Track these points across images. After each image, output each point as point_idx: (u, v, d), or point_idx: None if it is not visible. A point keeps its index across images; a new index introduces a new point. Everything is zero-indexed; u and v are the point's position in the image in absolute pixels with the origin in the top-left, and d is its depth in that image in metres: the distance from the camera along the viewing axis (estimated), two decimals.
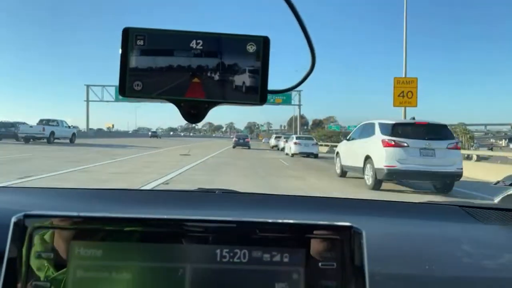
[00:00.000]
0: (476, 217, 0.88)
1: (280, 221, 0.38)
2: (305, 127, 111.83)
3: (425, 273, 0.59)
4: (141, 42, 0.39)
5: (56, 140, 19.36)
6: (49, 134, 18.74)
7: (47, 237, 0.35)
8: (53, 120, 19.86)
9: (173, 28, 0.39)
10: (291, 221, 0.38)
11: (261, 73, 0.40)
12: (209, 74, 0.39)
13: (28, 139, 18.54)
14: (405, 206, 1.06)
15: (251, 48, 0.39)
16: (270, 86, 0.41)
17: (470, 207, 0.95)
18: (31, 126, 19.08)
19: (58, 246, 0.35)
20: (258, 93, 0.40)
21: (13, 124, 20.19)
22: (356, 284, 0.36)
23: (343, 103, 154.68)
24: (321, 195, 1.28)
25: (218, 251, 0.36)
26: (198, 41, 0.39)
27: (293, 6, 0.38)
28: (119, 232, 0.36)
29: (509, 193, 1.08)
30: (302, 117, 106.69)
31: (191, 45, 0.39)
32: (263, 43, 0.40)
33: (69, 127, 21.21)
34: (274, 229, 0.37)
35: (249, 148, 25.08)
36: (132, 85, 0.39)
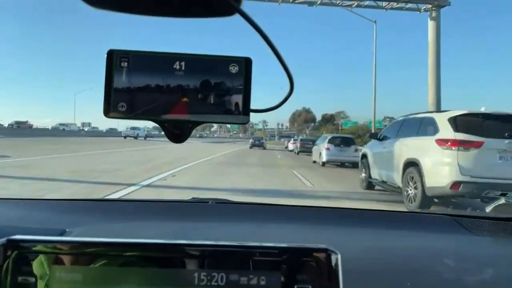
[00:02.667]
0: (468, 228, 0.95)
1: (256, 244, 0.42)
2: (313, 124, 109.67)
3: None
4: (125, 64, 0.44)
5: (139, 138, 38.14)
6: (136, 135, 39.28)
7: (30, 261, 0.40)
8: (137, 128, 40.39)
9: (156, 50, 0.45)
10: (266, 244, 0.42)
11: (244, 93, 0.45)
12: (192, 94, 0.45)
13: (125, 137, 38.66)
14: (393, 216, 1.15)
15: (233, 69, 0.45)
16: (254, 105, 0.46)
17: (462, 216, 1.03)
18: (127, 130, 41.25)
19: (40, 270, 0.40)
20: (241, 113, 0.45)
21: (134, 128, 41.14)
22: None
23: (353, 97, 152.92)
24: (312, 205, 1.41)
25: (196, 274, 0.41)
26: (181, 62, 0.44)
27: (265, 34, 0.43)
28: (100, 256, 0.41)
29: (500, 202, 1.22)
30: (307, 111, 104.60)
31: (174, 66, 0.44)
32: (245, 63, 0.45)
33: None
34: (252, 252, 0.42)
35: (264, 148, 32.09)
36: (117, 106, 0.44)
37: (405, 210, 1.57)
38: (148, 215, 1.04)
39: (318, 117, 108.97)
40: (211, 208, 1.12)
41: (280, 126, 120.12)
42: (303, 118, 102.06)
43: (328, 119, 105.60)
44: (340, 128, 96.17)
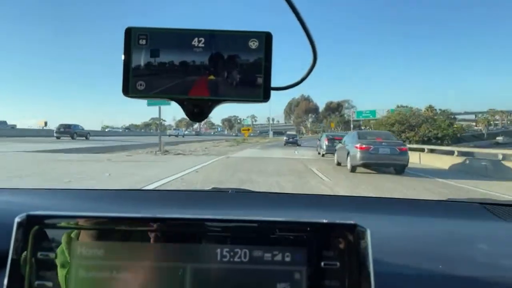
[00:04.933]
0: (498, 215, 1.02)
1: (281, 219, 0.45)
2: (315, 115, 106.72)
3: (439, 273, 0.67)
4: (144, 42, 0.48)
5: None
6: (178, 134, 62.24)
7: (50, 237, 0.44)
8: (178, 129, 71.52)
9: (175, 27, 0.48)
10: (292, 219, 0.45)
11: (264, 69, 0.48)
12: (211, 71, 0.48)
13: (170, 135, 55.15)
14: (423, 204, 1.25)
15: (253, 44, 0.48)
16: (274, 83, 0.49)
17: (492, 204, 1.10)
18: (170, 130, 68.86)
19: (61, 246, 0.44)
20: (262, 90, 0.48)
21: (69, 126, 32.47)
22: (360, 284, 0.43)
23: (357, 85, 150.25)
24: (332, 194, 1.43)
25: (218, 250, 0.44)
26: (200, 38, 0.47)
27: (293, 4, 0.46)
28: (120, 232, 0.45)
29: None
30: (307, 100, 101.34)
31: (193, 43, 0.47)
32: (266, 39, 0.48)
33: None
34: (276, 228, 0.45)
35: (298, 145, 34.30)
36: (135, 85, 0.48)
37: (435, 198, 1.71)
38: (168, 204, 1.13)
39: (320, 107, 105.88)
40: (231, 197, 1.21)
41: (271, 121, 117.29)
42: (303, 108, 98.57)
43: (335, 108, 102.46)
44: (351, 119, 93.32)
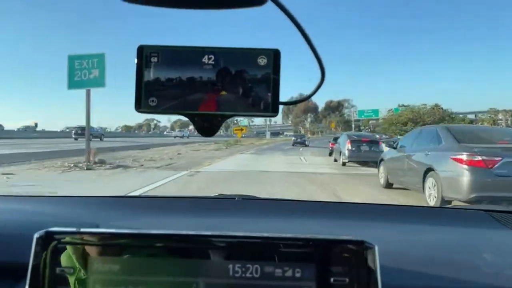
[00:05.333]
0: (503, 223, 1.02)
1: (291, 235, 0.47)
2: (314, 115, 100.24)
3: (444, 284, 0.69)
4: (155, 59, 0.49)
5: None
6: (183, 135, 61.30)
7: (67, 252, 0.46)
8: (182, 130, 70.19)
9: (185, 44, 0.50)
10: (303, 236, 0.47)
11: (273, 85, 0.50)
12: (221, 87, 0.50)
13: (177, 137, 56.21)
14: (426, 211, 1.27)
15: (262, 61, 0.50)
16: (282, 97, 0.51)
17: (497, 211, 1.10)
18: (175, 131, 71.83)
19: (78, 261, 0.46)
20: (270, 105, 0.50)
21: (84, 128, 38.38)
22: None
23: (357, 83, 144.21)
24: (339, 201, 1.46)
25: (230, 266, 0.46)
26: (210, 56, 0.49)
27: (299, 23, 0.48)
28: (136, 247, 0.47)
29: None
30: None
31: (203, 60, 0.49)
32: (274, 55, 0.50)
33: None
34: (286, 244, 0.46)
35: (306, 146, 34.80)
36: (148, 101, 0.50)
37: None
38: (175, 211, 1.14)
39: (320, 106, 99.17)
40: (237, 204, 1.21)
41: (269, 122, 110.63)
42: (301, 107, 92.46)
43: (335, 108, 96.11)
44: (353, 119, 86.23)
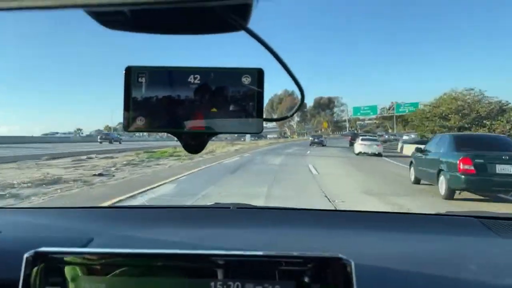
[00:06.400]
0: (494, 230, 1.05)
1: (271, 253, 0.50)
2: (301, 113, 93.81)
3: None
4: (143, 80, 0.52)
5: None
6: (112, 139, 48.23)
7: (57, 272, 0.49)
8: (110, 133, 55.18)
9: (172, 65, 0.53)
10: (281, 253, 0.50)
11: (256, 103, 0.53)
12: (207, 106, 0.53)
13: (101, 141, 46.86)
14: (414, 218, 1.28)
15: (246, 80, 0.53)
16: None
17: (487, 217, 1.13)
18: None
19: (67, 281, 0.48)
20: (255, 122, 0.53)
21: (108, 134, 49.71)
22: None
23: (348, 78, 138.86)
24: (335, 209, 1.44)
25: (212, 283, 0.48)
26: (195, 75, 0.52)
27: (274, 52, 0.51)
28: (121, 266, 0.49)
29: None
30: (292, 95, 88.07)
31: (189, 80, 0.52)
32: (258, 74, 0.53)
33: None
34: (266, 262, 0.49)
35: (324, 145, 36.24)
36: (136, 120, 0.53)
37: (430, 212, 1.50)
38: (171, 222, 1.16)
39: (308, 103, 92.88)
40: (232, 214, 1.25)
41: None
42: (287, 105, 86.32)
43: (325, 105, 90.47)
44: (347, 118, 78.11)
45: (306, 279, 0.47)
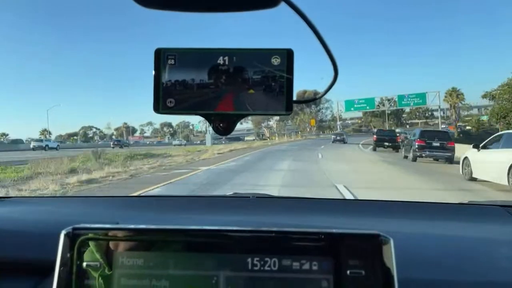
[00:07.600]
0: None
1: (309, 230, 0.50)
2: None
3: (460, 278, 0.73)
4: (172, 61, 0.53)
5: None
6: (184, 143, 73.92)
7: (93, 248, 0.50)
8: (180, 139, 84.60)
9: (201, 46, 0.54)
10: (319, 230, 0.50)
11: (286, 84, 0.54)
12: (236, 88, 0.54)
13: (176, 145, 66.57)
14: (441, 208, 1.30)
15: (275, 61, 0.54)
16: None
17: None
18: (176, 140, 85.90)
19: (104, 256, 0.50)
20: (284, 103, 0.54)
21: (119, 140, 64.63)
22: None
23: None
24: (354, 199, 1.45)
25: (249, 259, 0.50)
26: (225, 57, 0.53)
27: (312, 24, 0.52)
28: (158, 242, 0.51)
29: None
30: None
31: (218, 61, 0.53)
32: (287, 55, 0.54)
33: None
34: (304, 238, 0.50)
35: (345, 143, 37.81)
36: (166, 102, 0.53)
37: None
38: (193, 209, 1.20)
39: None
40: (252, 202, 1.26)
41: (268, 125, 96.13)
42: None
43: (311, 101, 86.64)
44: (339, 115, 72.20)
45: (344, 256, 0.48)
